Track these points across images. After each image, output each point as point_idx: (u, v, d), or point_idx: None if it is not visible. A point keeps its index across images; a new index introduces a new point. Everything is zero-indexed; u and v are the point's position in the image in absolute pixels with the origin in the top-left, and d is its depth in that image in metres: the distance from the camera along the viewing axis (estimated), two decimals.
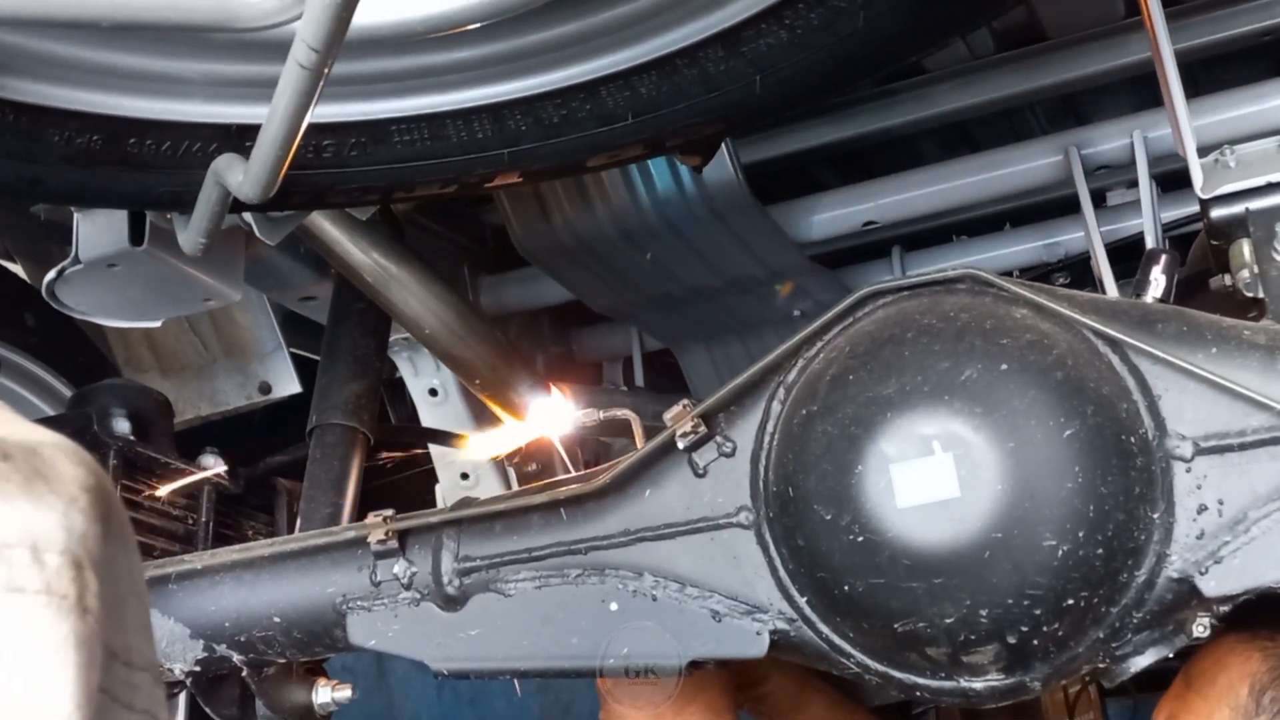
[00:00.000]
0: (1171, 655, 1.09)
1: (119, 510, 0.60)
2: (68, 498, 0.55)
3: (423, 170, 1.15)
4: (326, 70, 0.82)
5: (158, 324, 1.67)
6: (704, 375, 2.17)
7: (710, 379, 2.15)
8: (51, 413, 1.79)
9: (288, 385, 2.01)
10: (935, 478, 1.02)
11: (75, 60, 1.03)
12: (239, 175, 0.97)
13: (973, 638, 1.02)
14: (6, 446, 0.55)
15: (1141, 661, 1.06)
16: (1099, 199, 1.84)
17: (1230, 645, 1.19)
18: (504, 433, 1.70)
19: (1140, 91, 1.89)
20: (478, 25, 1.06)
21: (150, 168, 1.09)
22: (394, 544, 1.25)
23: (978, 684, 1.07)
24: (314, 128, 0.98)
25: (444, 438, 2.07)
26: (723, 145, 1.55)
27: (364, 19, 1.01)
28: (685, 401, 1.16)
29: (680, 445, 1.15)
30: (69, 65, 1.03)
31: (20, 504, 0.53)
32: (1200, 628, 1.04)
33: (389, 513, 1.27)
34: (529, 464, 2.09)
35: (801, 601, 1.11)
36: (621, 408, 1.93)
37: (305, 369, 2.03)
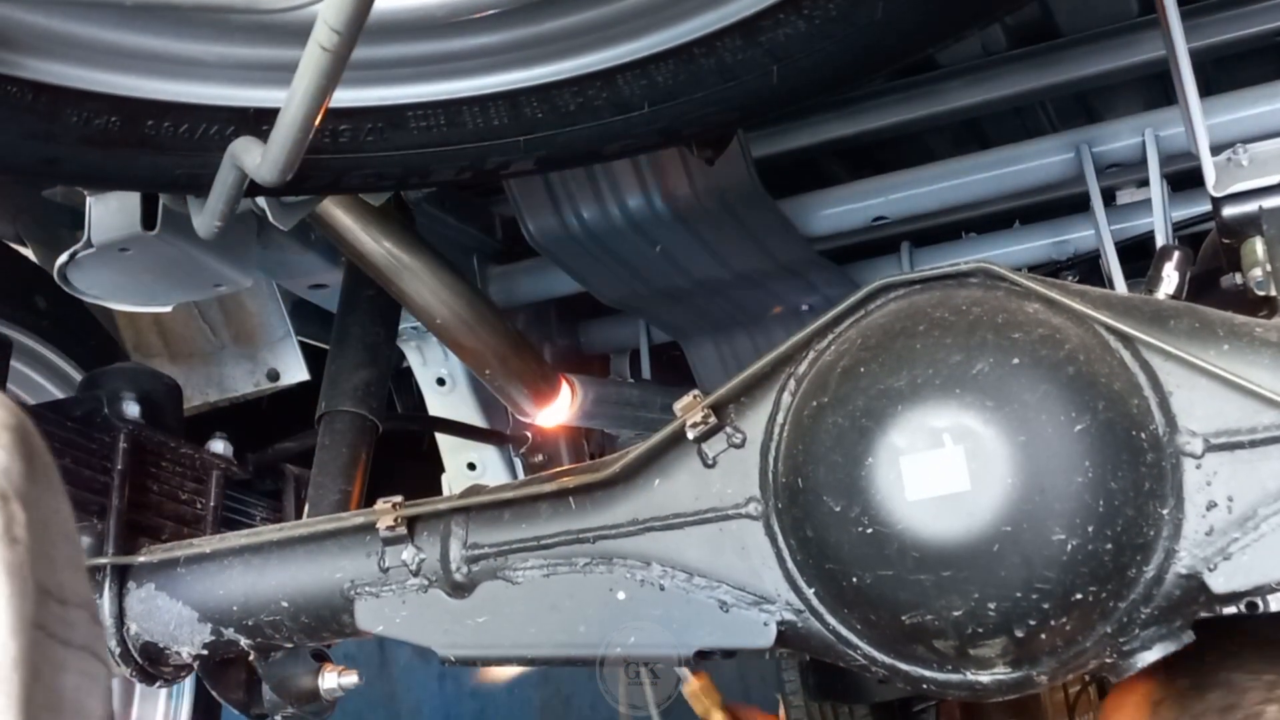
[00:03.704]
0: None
1: (43, 452, 0.60)
2: None
3: (438, 156, 1.15)
4: (348, 53, 0.82)
5: (168, 309, 1.68)
6: (711, 369, 2.18)
7: (717, 372, 2.16)
8: (61, 395, 1.80)
9: (296, 373, 2.01)
10: (945, 470, 1.02)
11: (94, 41, 1.03)
12: (257, 158, 0.97)
13: (980, 631, 1.02)
14: None
15: (1149, 657, 1.06)
16: (1108, 198, 1.85)
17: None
18: None
19: (1151, 90, 1.89)
20: (496, 11, 1.06)
21: (167, 150, 1.09)
22: (403, 530, 1.25)
23: (984, 677, 1.07)
24: (331, 112, 0.98)
25: (452, 427, 2.07)
26: (734, 138, 1.55)
27: (385, 3, 1.01)
28: (695, 392, 1.16)
29: (690, 436, 1.15)
30: (88, 46, 1.03)
31: None
32: None
33: (398, 499, 1.27)
34: (535, 454, 2.09)
35: (809, 593, 1.12)
36: (629, 399, 1.95)
37: (312, 358, 2.04)
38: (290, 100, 0.88)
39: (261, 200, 1.27)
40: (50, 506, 0.59)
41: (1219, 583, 1.01)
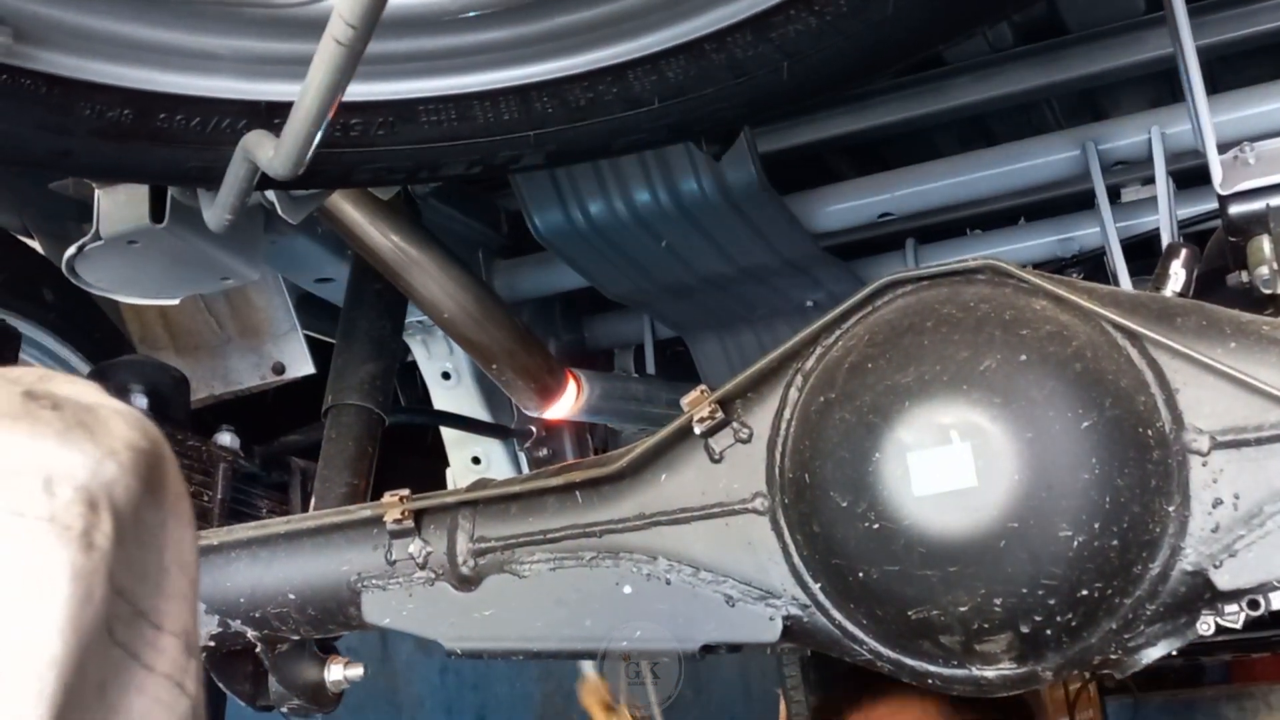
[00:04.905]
0: (1175, 653, 1.09)
1: (175, 483, 0.60)
2: (108, 449, 0.56)
3: (449, 151, 1.15)
4: (363, 47, 0.82)
5: (175, 302, 1.68)
6: (715, 364, 2.18)
7: (722, 368, 2.16)
8: None
9: (301, 366, 2.01)
10: (952, 467, 1.02)
11: (108, 34, 1.04)
12: (269, 151, 0.98)
13: (986, 626, 1.03)
14: (59, 399, 0.56)
15: (1154, 653, 1.06)
16: (1113, 195, 1.84)
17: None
18: None
19: (1158, 87, 1.89)
20: (507, 6, 1.06)
21: (180, 143, 1.09)
22: (410, 524, 1.26)
23: (990, 672, 1.07)
24: (342, 106, 0.98)
25: (457, 421, 2.07)
26: (741, 134, 1.55)
27: None
28: (702, 387, 1.16)
29: (697, 431, 1.15)
30: (102, 39, 1.04)
31: (48, 443, 0.54)
32: (1205, 626, 1.05)
33: (405, 492, 1.28)
34: (540, 449, 2.10)
35: (815, 588, 1.12)
36: (634, 394, 1.95)
37: (318, 351, 2.04)
38: (304, 94, 0.88)
39: (271, 194, 1.27)
40: (171, 535, 0.60)
41: (1224, 580, 1.01)
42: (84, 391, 0.59)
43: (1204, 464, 1.02)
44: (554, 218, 1.79)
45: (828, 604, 1.12)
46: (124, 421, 0.58)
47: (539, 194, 1.77)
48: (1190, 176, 1.76)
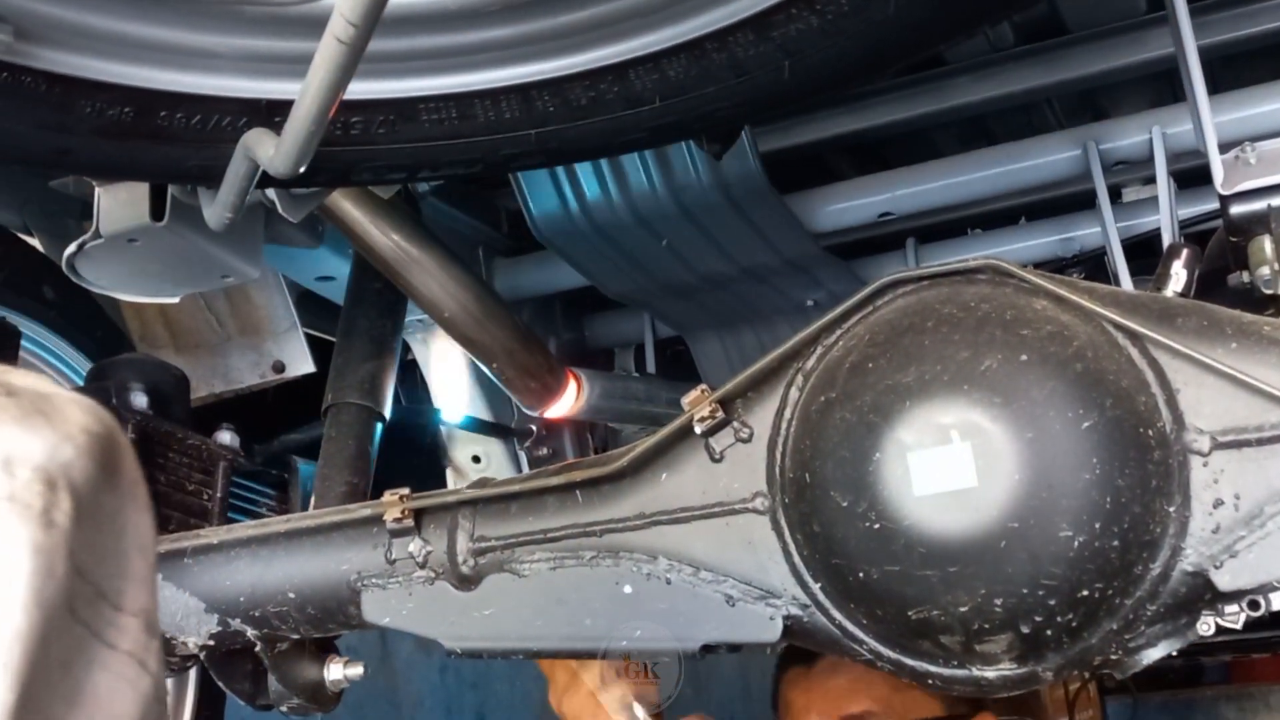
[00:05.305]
0: (1175, 653, 1.09)
1: (130, 467, 0.61)
2: (64, 433, 0.57)
3: (449, 149, 1.15)
4: (364, 46, 0.82)
5: (175, 300, 1.67)
6: (716, 364, 2.18)
7: (722, 368, 2.16)
8: (69, 386, 1.80)
9: (302, 364, 2.01)
10: (953, 466, 1.02)
11: (109, 32, 1.04)
12: (270, 149, 0.98)
13: (986, 626, 1.03)
14: (14, 387, 0.57)
15: (1154, 654, 1.06)
16: (1114, 195, 1.85)
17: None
18: None
19: (1159, 87, 1.89)
20: (509, 4, 1.06)
21: (180, 141, 1.09)
22: (410, 523, 1.25)
23: (990, 673, 1.07)
24: (343, 105, 0.98)
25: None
26: (742, 133, 1.55)
27: None
28: (703, 386, 1.16)
29: (697, 430, 1.15)
30: (102, 37, 1.04)
31: (5, 428, 0.55)
32: (1205, 627, 1.05)
33: (405, 491, 1.27)
34: (540, 448, 2.10)
35: (815, 587, 1.12)
36: (635, 393, 1.95)
37: (318, 350, 2.04)
38: (305, 92, 0.88)
39: (271, 192, 1.27)
40: (129, 519, 0.61)
41: (1225, 580, 1.01)
42: (38, 382, 0.60)
43: (1205, 464, 1.02)
44: (554, 216, 1.79)
45: (828, 604, 1.12)
46: (78, 408, 0.59)
47: (539, 192, 1.77)
48: (1191, 176, 1.76)
